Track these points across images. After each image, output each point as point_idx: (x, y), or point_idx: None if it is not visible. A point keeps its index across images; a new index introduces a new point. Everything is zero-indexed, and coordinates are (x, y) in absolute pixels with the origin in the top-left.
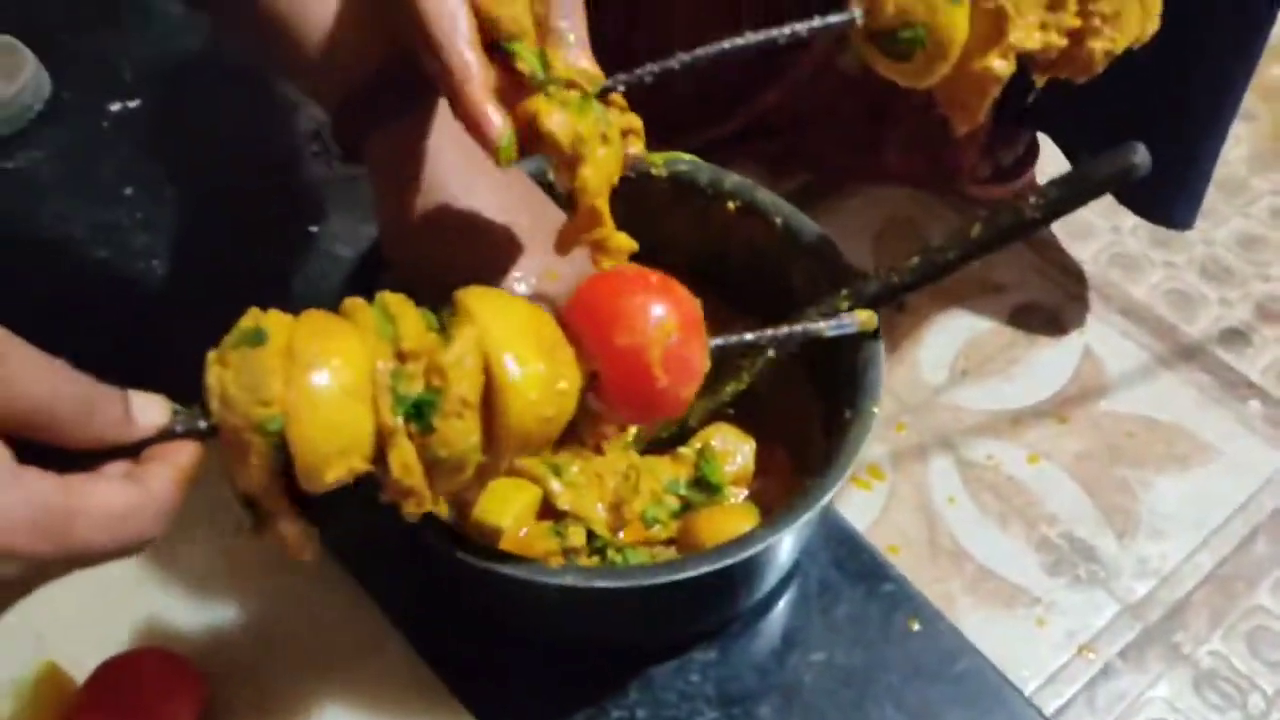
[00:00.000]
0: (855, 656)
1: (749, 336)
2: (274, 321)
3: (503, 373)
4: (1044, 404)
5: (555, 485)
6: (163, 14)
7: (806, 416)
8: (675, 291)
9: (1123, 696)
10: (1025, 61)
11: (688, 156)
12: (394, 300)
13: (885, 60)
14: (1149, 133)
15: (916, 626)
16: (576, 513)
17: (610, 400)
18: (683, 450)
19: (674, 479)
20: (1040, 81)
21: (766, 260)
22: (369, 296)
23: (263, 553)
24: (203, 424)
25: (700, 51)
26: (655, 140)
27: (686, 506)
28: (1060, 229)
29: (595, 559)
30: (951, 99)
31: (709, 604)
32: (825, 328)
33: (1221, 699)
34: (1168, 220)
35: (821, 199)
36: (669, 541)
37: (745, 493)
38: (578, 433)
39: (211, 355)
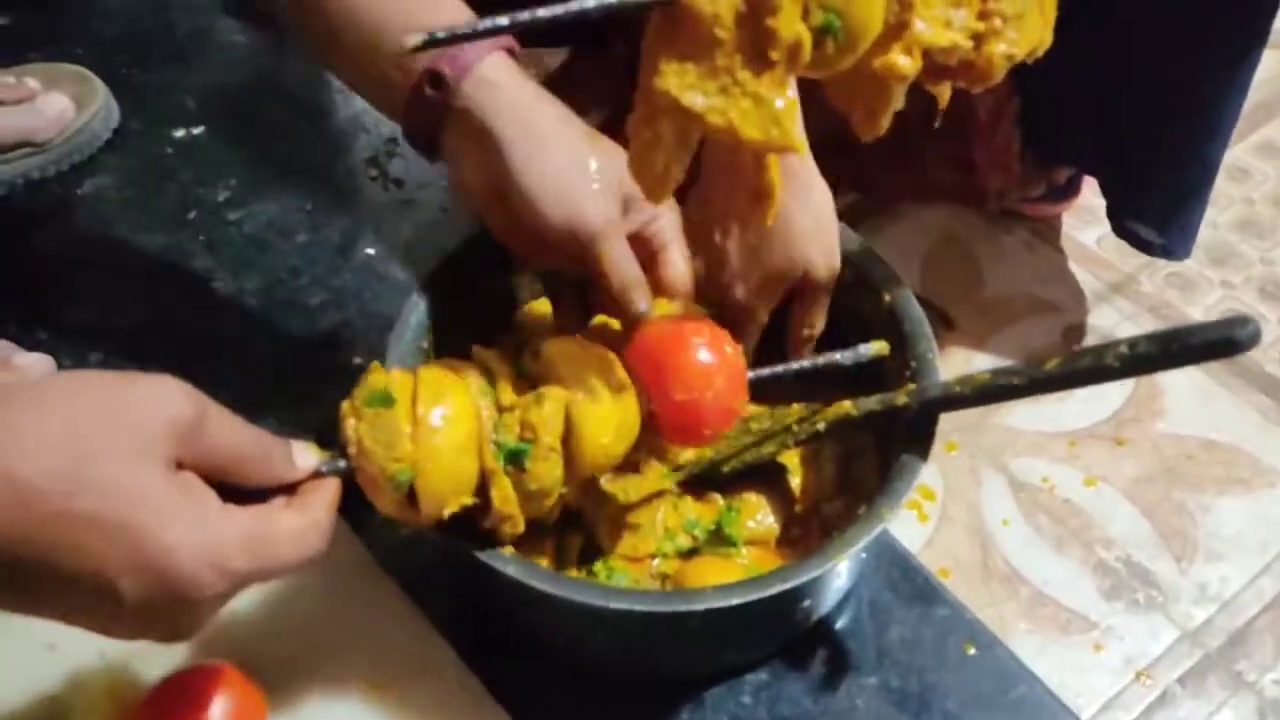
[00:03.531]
0: (910, 681)
1: (777, 369)
2: (398, 384)
3: (582, 424)
4: (1100, 426)
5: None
6: (225, 46)
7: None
8: (723, 347)
9: None
10: (925, 69)
11: None
12: (491, 357)
13: None
14: (1144, 162)
15: (972, 651)
16: (585, 518)
17: (662, 433)
18: (714, 495)
19: (695, 519)
20: (944, 96)
21: (867, 334)
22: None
23: (323, 577)
24: (343, 464)
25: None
26: None
27: (694, 551)
28: (1114, 246)
29: (583, 570)
30: (854, 102)
31: (759, 632)
32: (842, 358)
33: None
34: (1164, 252)
35: (868, 219)
36: (663, 576)
37: (752, 553)
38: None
39: (346, 407)
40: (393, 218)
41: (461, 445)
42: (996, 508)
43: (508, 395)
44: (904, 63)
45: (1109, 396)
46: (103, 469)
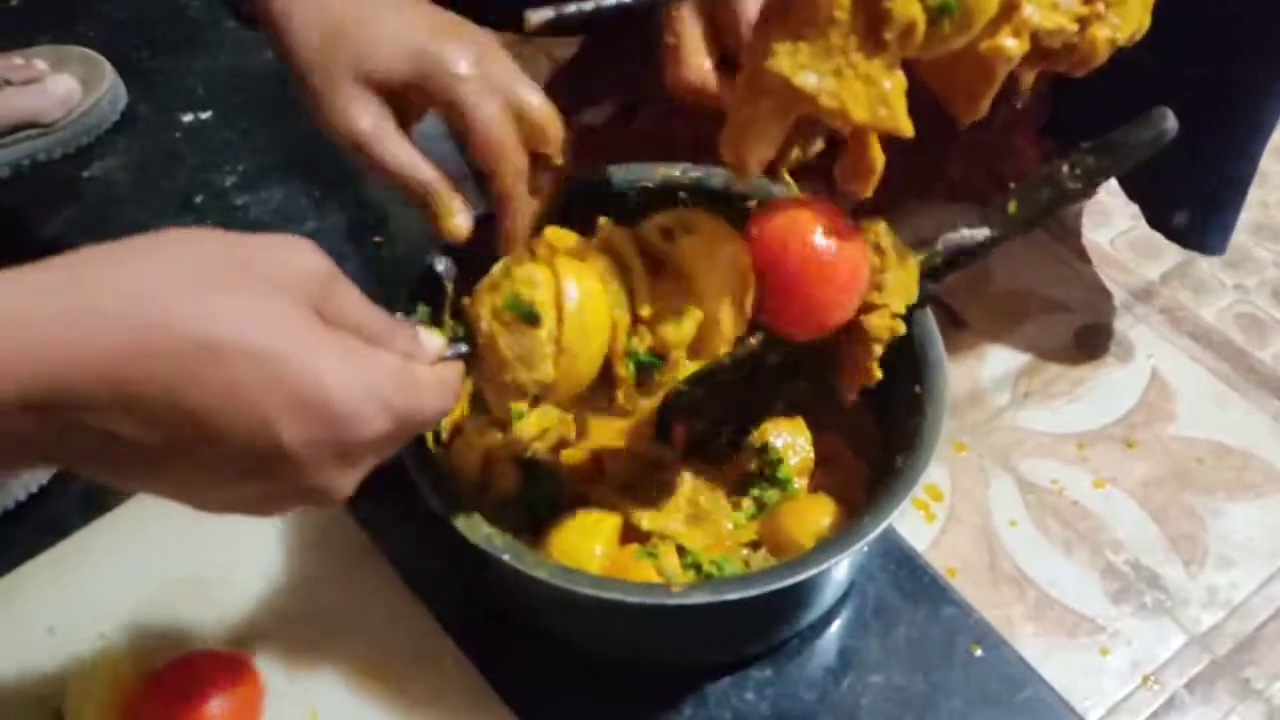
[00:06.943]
0: (915, 680)
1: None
2: (543, 299)
3: (710, 339)
4: (1110, 428)
5: (635, 510)
6: (234, 31)
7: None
8: (859, 261)
9: None
10: (1028, 52)
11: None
12: (622, 241)
13: None
14: (1187, 158)
15: (979, 652)
16: (660, 531)
17: (765, 327)
18: (738, 456)
19: (742, 482)
20: (1029, 79)
21: None
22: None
23: (322, 564)
24: (464, 350)
25: None
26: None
27: (761, 507)
28: (1127, 248)
29: (691, 573)
30: (954, 84)
31: (764, 624)
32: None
33: None
34: (1200, 246)
35: (884, 215)
36: (754, 544)
37: (804, 482)
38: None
39: (483, 300)
40: (401, 206)
41: (595, 360)
42: (1004, 509)
43: (645, 305)
44: (1011, 45)
45: (1119, 398)
46: (239, 301)
